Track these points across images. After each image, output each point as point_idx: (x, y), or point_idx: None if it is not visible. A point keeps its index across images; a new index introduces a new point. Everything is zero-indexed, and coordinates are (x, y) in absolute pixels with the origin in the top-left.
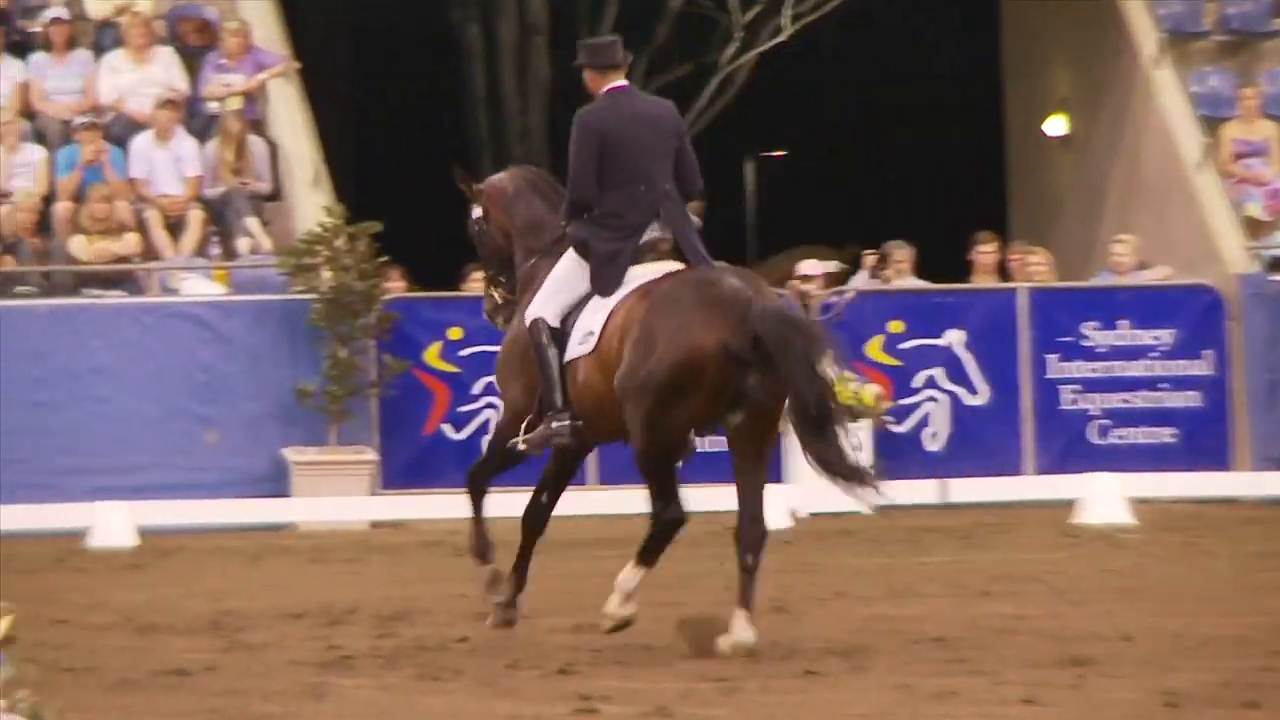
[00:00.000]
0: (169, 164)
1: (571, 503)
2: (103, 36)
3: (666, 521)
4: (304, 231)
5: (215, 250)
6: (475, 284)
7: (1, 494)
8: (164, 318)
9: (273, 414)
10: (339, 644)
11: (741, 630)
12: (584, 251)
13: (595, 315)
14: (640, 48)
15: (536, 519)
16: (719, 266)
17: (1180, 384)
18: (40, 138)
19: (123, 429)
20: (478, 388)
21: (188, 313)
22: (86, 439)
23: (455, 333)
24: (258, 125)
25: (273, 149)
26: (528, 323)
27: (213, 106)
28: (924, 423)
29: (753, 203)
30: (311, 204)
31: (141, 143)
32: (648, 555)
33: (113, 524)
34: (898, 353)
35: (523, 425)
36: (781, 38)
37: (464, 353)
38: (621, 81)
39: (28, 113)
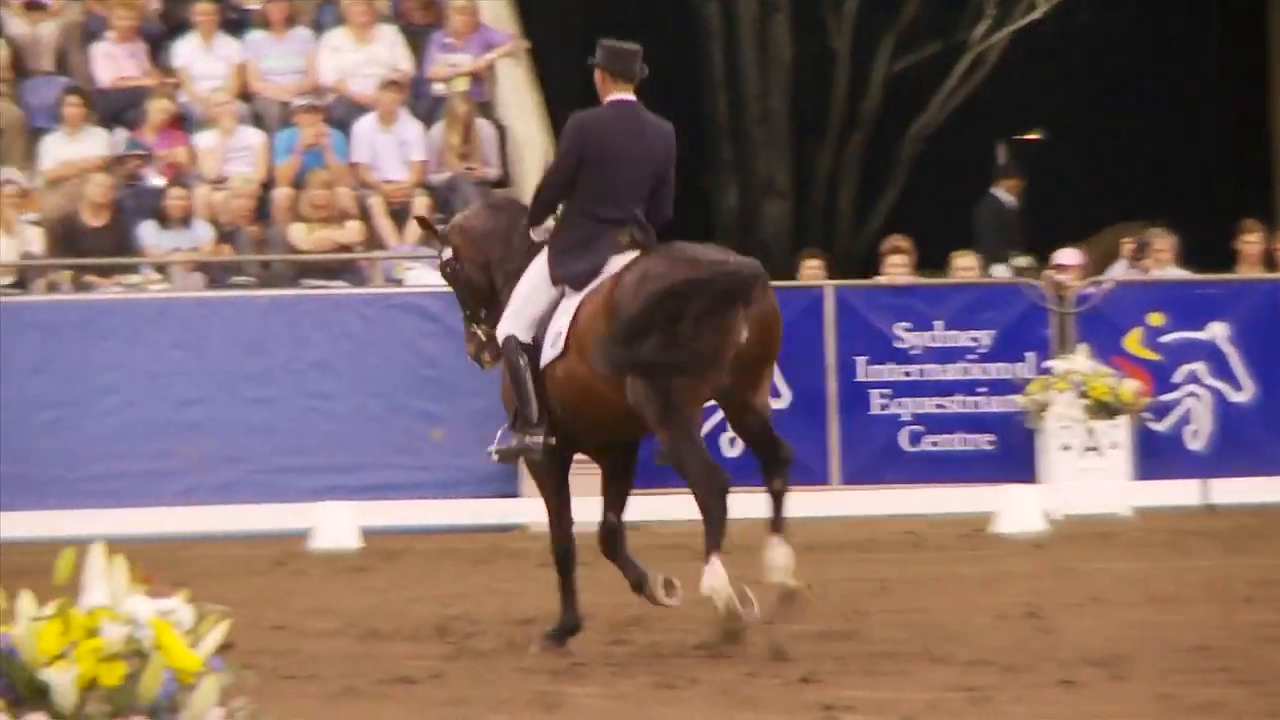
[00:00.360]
0: (393, 148)
1: (813, 504)
2: (323, 14)
3: (718, 489)
4: None
5: None
6: None
7: (220, 494)
8: (387, 309)
9: (501, 411)
10: (570, 650)
11: (778, 555)
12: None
13: (563, 316)
14: (887, 25)
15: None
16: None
17: None
18: (258, 120)
19: (345, 426)
20: None
21: (412, 304)
22: (307, 436)
23: None
24: (485, 108)
25: (501, 132)
26: (500, 340)
27: (438, 88)
28: (1185, 420)
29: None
30: None
31: (364, 126)
32: (714, 538)
33: (336, 525)
34: (1158, 346)
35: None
36: (1035, 15)
37: None
38: (629, 95)
39: (245, 94)
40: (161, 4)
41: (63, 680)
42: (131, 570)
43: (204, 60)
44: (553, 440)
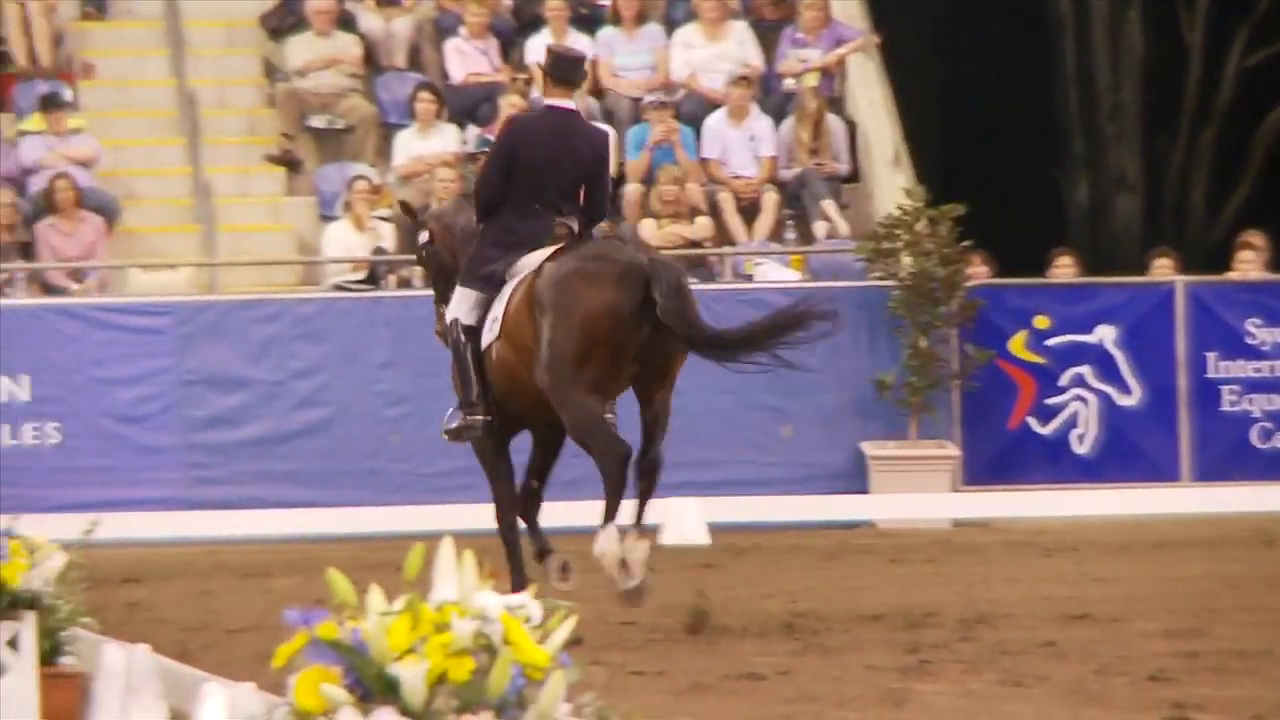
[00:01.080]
0: (743, 144)
1: (1163, 501)
2: (674, 9)
3: (621, 455)
4: (883, 215)
5: (791, 235)
6: (1063, 270)
7: (568, 489)
8: (737, 305)
9: (850, 407)
10: (918, 647)
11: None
12: (472, 265)
13: (499, 304)
14: (1240, 18)
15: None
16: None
17: None
18: (609, 117)
19: (695, 422)
20: (1065, 379)
21: (762, 299)
22: None
23: (1042, 321)
24: (836, 103)
25: (851, 128)
26: (447, 323)
27: (789, 84)
28: None
29: None
30: (891, 186)
31: (714, 122)
32: (613, 508)
33: (686, 520)
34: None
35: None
36: None
37: (1051, 342)
38: (568, 102)
39: (596, 91)
40: (514, 0)
41: (412, 675)
42: (480, 565)
43: None
44: (489, 419)
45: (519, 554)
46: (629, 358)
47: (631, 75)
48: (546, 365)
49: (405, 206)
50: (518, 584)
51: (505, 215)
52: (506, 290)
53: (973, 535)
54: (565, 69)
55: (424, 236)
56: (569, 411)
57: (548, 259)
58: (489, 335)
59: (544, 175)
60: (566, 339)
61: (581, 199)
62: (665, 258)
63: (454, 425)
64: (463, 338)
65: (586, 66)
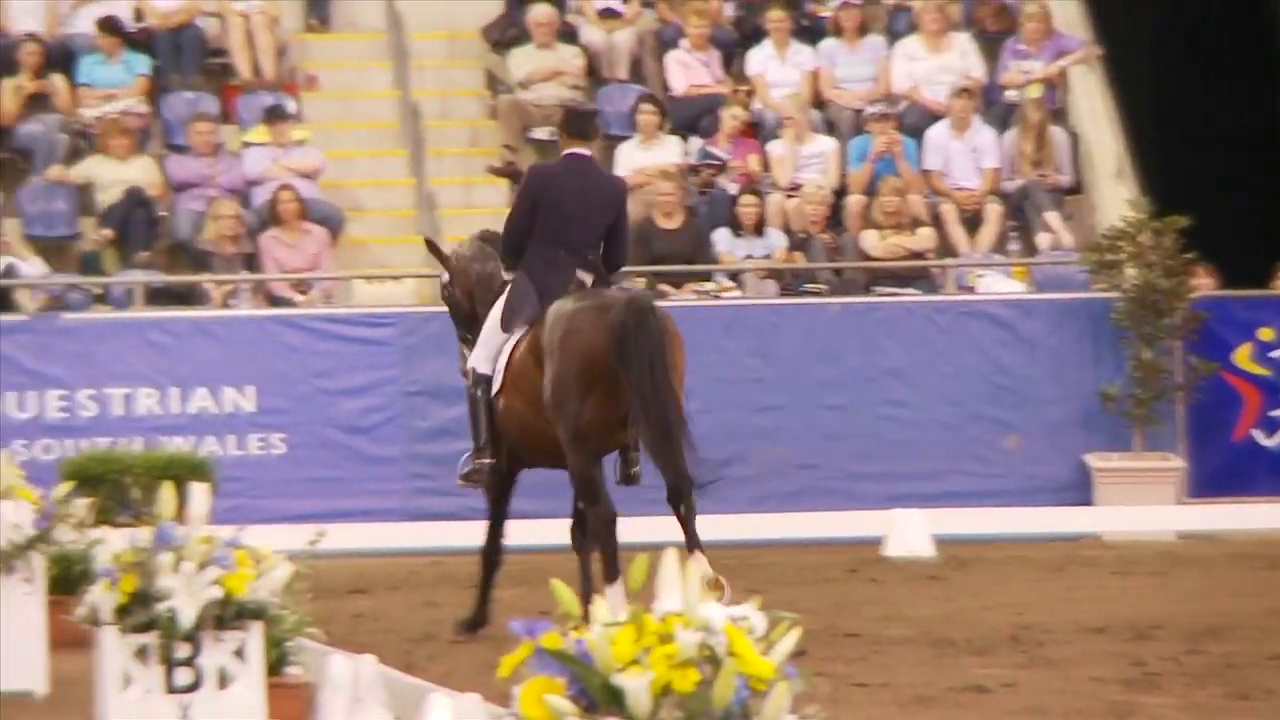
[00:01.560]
0: (965, 155)
1: None
2: (896, 21)
3: (605, 519)
4: (1107, 226)
5: (1014, 246)
6: None
7: (792, 500)
8: (959, 317)
9: (1075, 419)
10: (1144, 660)
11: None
12: (506, 313)
13: (503, 355)
14: None
15: (492, 552)
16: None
17: None
18: (831, 128)
19: (918, 433)
20: None
21: (985, 312)
22: (881, 444)
23: (1267, 334)
24: (1058, 114)
25: (1074, 139)
26: (467, 370)
27: (1011, 95)
28: None
29: None
30: (1115, 197)
31: (937, 133)
32: (611, 569)
33: (909, 532)
34: None
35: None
36: None
37: (1276, 354)
38: (584, 150)
39: (818, 102)
40: (735, 12)
41: (637, 686)
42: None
43: (777, 68)
44: (495, 462)
45: (488, 589)
46: (619, 401)
47: (853, 87)
48: (550, 404)
49: (432, 246)
50: (476, 619)
51: (533, 264)
52: (511, 340)
53: (1198, 547)
54: (579, 124)
55: (445, 276)
56: (572, 458)
57: (552, 307)
58: (495, 384)
59: (569, 221)
60: (567, 377)
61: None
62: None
63: (465, 470)
64: (475, 385)
65: (598, 121)
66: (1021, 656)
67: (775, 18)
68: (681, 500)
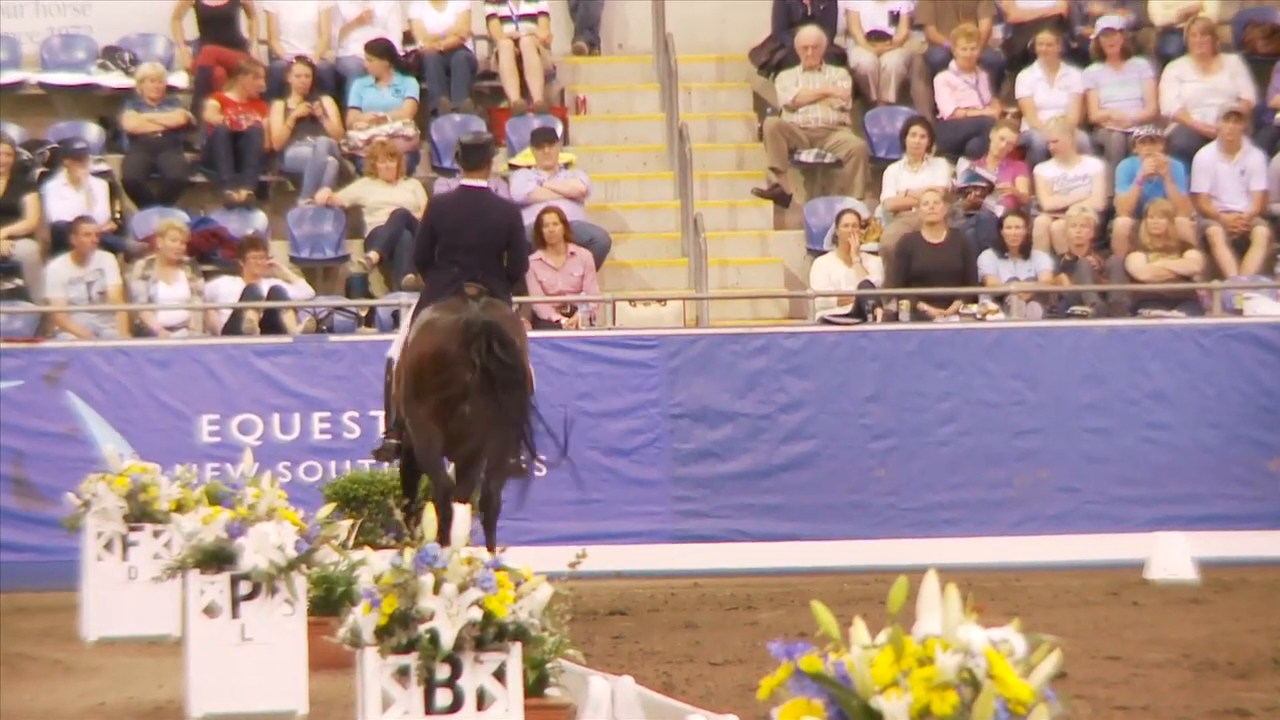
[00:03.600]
0: (1234, 178)
1: None
2: (1166, 43)
3: (443, 490)
4: None
5: None
6: None
7: (1054, 523)
8: (1225, 339)
9: None
10: None
11: None
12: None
13: (395, 345)
14: None
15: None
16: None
17: None
18: (1099, 150)
19: (1181, 457)
20: None
21: (1251, 334)
22: (1143, 467)
23: None
24: None
25: None
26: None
27: None
28: None
29: None
30: None
31: (1206, 155)
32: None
33: (1172, 555)
34: None
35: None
36: None
37: None
38: (479, 181)
39: (1086, 124)
40: (1004, 34)
41: (896, 708)
42: (964, 599)
43: (1045, 90)
44: (398, 442)
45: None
46: (458, 397)
47: (1122, 109)
48: (400, 397)
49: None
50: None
51: (431, 275)
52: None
53: None
54: (470, 155)
55: None
56: (415, 440)
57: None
58: (388, 375)
59: (456, 242)
60: (407, 377)
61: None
62: (498, 316)
63: (376, 447)
64: (387, 373)
65: (489, 152)
66: None
67: (1045, 40)
68: (487, 505)
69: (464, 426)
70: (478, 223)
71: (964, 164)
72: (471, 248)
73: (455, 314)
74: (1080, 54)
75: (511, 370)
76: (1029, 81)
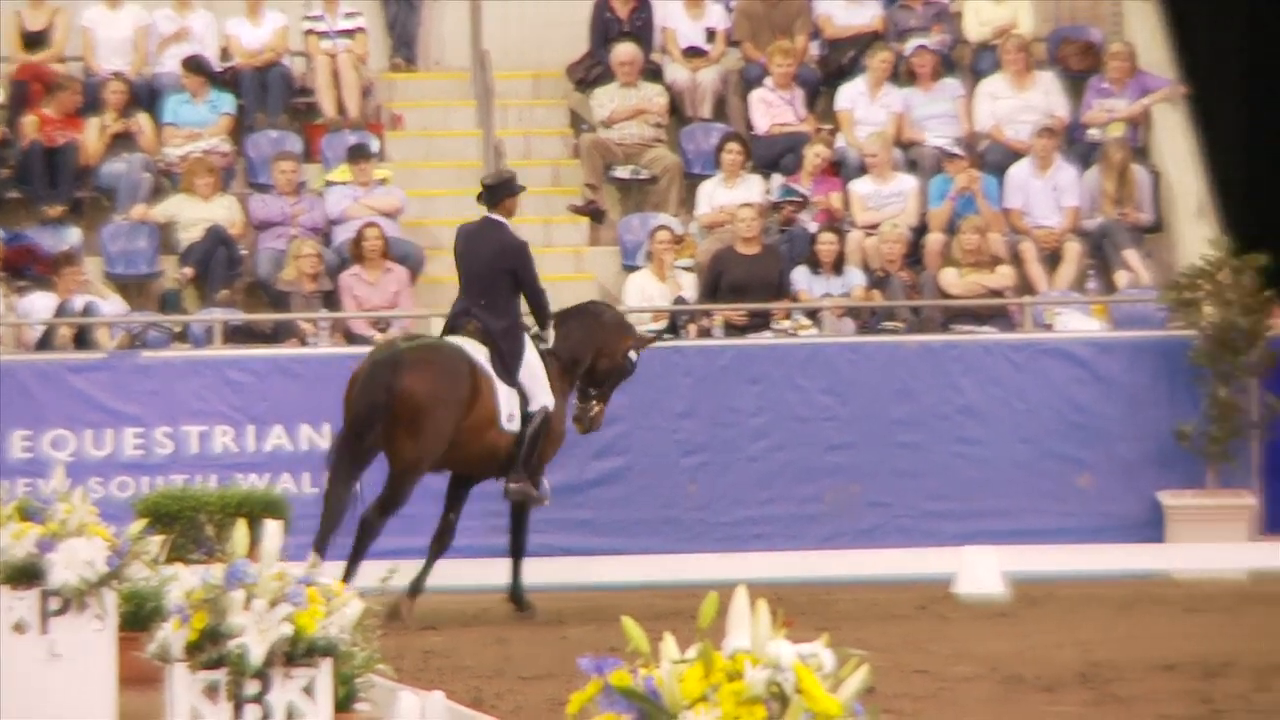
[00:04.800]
0: (1046, 194)
1: None
2: (981, 60)
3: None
4: (1186, 265)
5: (1093, 284)
6: None
7: (864, 538)
8: (1036, 355)
9: (1149, 457)
10: (1212, 698)
11: None
12: None
13: None
14: None
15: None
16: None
17: None
18: (913, 166)
19: (991, 472)
20: None
21: (1062, 350)
22: (954, 482)
23: None
24: (1140, 153)
25: (1155, 178)
26: None
27: (1094, 134)
28: None
29: None
30: (1195, 236)
31: (1018, 171)
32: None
33: (981, 570)
34: None
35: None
36: None
37: None
38: (496, 215)
39: (901, 141)
40: (820, 50)
41: None
42: (774, 614)
43: (866, 106)
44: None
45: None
46: (372, 424)
47: (938, 125)
48: None
49: None
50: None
51: (452, 307)
52: None
53: (1270, 585)
54: (490, 193)
55: None
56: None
57: None
58: None
59: (466, 271)
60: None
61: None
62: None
63: None
64: None
65: (509, 189)
66: (1090, 694)
67: (882, 57)
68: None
69: (382, 446)
70: (482, 254)
71: (778, 179)
72: (475, 277)
73: (381, 351)
74: (895, 72)
75: (387, 409)
76: (850, 96)
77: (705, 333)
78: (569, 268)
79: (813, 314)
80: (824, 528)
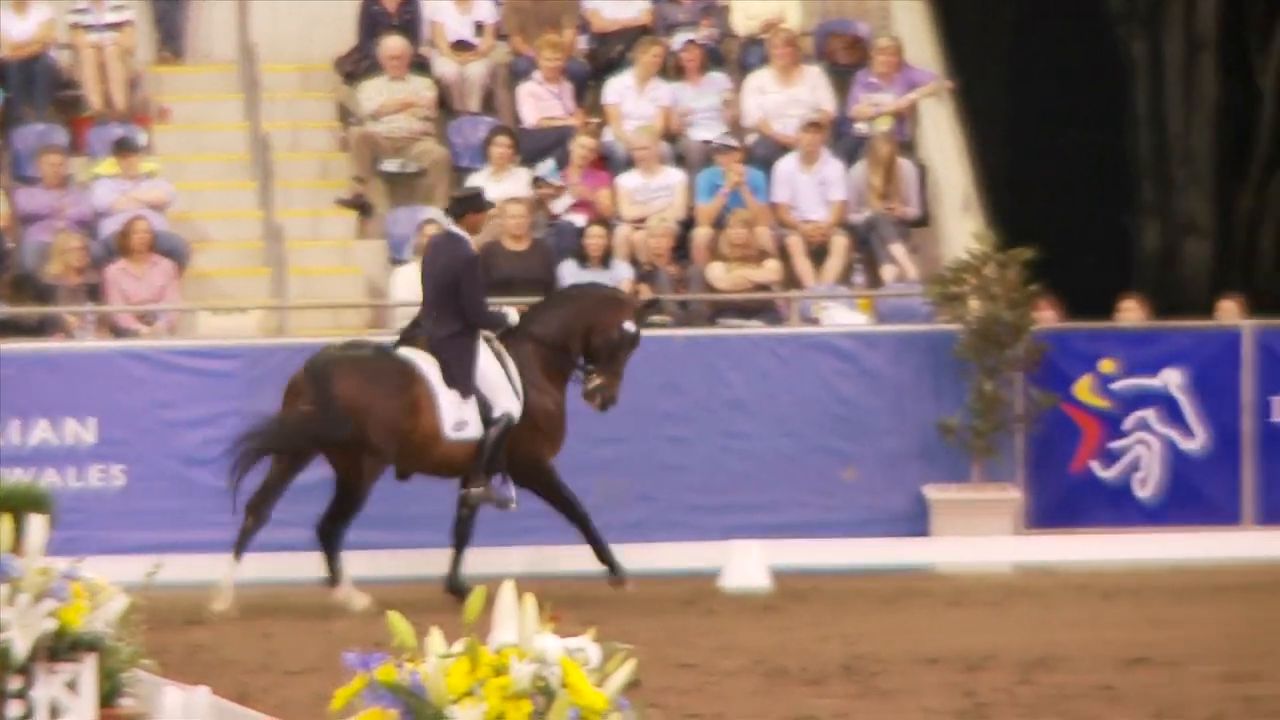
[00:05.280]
0: (813, 188)
1: (1225, 545)
2: (748, 54)
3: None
4: (952, 259)
5: (859, 278)
6: (1129, 314)
7: (631, 531)
8: (802, 349)
9: (913, 450)
10: (975, 691)
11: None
12: None
13: None
14: None
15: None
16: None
17: None
18: (680, 161)
19: (758, 465)
20: (1129, 423)
21: (828, 344)
22: (720, 476)
23: (1108, 365)
24: (907, 147)
25: (922, 172)
26: None
27: (861, 128)
28: None
29: None
30: (961, 230)
31: (785, 166)
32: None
33: (746, 563)
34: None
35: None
36: None
37: (1116, 386)
38: (455, 228)
39: (668, 135)
40: (589, 44)
41: (469, 718)
42: (541, 608)
43: (634, 100)
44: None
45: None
46: (306, 434)
47: (706, 120)
48: None
49: None
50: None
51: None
52: None
53: (1033, 579)
54: (455, 206)
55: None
56: None
57: None
58: None
59: (425, 284)
60: None
61: None
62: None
63: None
64: None
65: (479, 204)
66: (855, 687)
67: (653, 51)
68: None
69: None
70: (435, 267)
71: (541, 168)
72: (430, 289)
73: (317, 357)
74: (668, 66)
75: (310, 415)
76: (618, 89)
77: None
78: (336, 261)
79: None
80: (593, 521)
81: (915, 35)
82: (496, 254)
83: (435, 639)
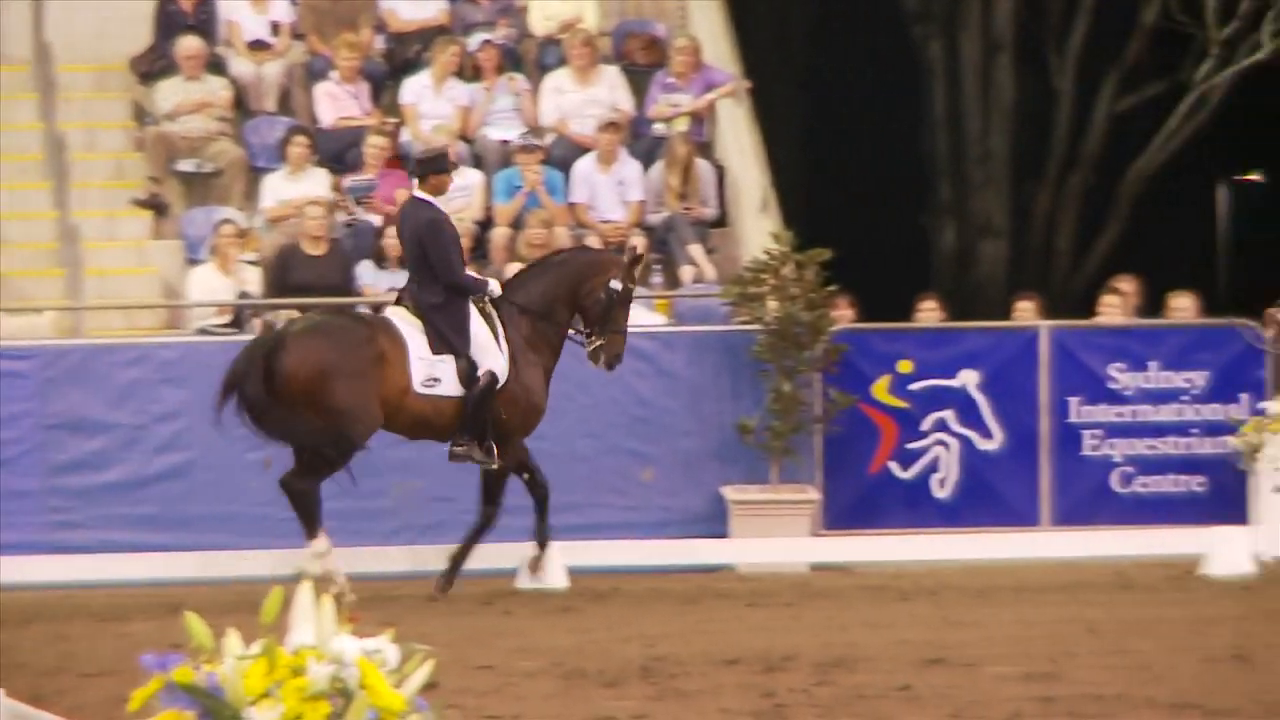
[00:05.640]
0: (611, 188)
1: (1022, 546)
2: (546, 54)
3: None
4: (750, 259)
5: (657, 279)
6: (927, 315)
7: (429, 533)
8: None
9: (712, 451)
10: (774, 692)
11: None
12: None
13: None
14: (1110, 65)
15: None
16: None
17: None
18: (478, 161)
19: (556, 466)
20: (927, 424)
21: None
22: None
23: (905, 366)
24: (705, 148)
25: (720, 172)
26: None
27: (659, 128)
28: None
29: (1225, 227)
30: (759, 230)
31: (583, 166)
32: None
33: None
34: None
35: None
36: (1260, 55)
37: (914, 387)
38: (420, 193)
39: (464, 136)
40: (386, 44)
41: (268, 719)
42: (338, 609)
43: (431, 100)
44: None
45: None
46: (248, 398)
47: (503, 121)
48: None
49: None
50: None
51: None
52: None
53: (831, 579)
54: (421, 165)
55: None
56: None
57: None
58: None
59: (404, 252)
60: None
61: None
62: (311, 330)
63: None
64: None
65: (443, 163)
66: (653, 688)
67: (451, 51)
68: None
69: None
70: (405, 233)
71: (348, 182)
72: (407, 255)
73: (264, 334)
74: (461, 66)
75: (260, 390)
76: (415, 90)
77: (270, 328)
78: (132, 261)
79: (377, 309)
80: (389, 522)
81: (713, 36)
82: (294, 259)
83: (233, 640)
